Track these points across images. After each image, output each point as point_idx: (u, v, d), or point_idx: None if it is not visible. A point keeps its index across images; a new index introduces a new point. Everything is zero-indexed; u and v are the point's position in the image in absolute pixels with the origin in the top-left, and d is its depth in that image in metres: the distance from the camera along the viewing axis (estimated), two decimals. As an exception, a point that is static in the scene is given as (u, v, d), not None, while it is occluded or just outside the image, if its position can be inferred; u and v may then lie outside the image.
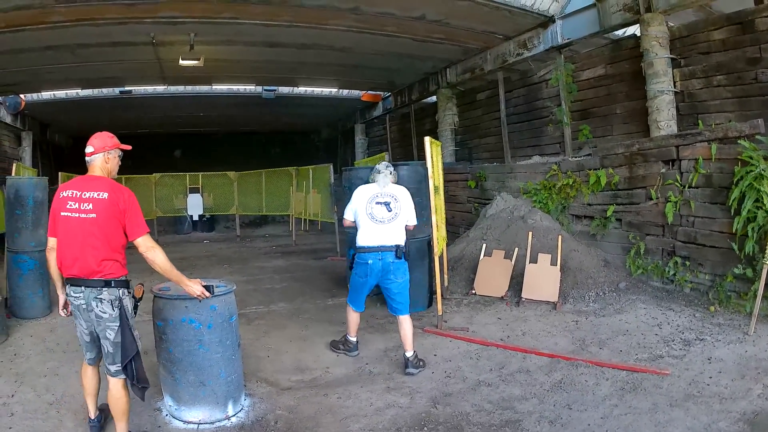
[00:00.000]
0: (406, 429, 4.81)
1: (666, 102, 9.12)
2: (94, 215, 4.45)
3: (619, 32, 10.90)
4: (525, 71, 12.86)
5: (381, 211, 6.57)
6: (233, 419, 5.19)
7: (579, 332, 7.10)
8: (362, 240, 6.56)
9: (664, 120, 9.09)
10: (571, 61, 11.24)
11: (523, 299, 8.39)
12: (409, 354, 6.26)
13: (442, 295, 7.83)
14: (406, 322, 6.41)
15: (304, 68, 15.67)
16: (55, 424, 5.19)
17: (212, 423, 5.13)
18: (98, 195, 4.51)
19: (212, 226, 22.67)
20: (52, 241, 4.66)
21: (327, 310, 8.90)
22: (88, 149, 4.75)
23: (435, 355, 6.55)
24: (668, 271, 8.30)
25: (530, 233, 9.04)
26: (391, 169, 6.90)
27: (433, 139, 8.04)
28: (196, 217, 21.53)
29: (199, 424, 5.11)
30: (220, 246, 18.58)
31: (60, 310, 4.80)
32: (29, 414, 5.36)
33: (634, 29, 10.36)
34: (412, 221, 6.74)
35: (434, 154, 7.82)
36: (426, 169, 8.09)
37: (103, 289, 4.49)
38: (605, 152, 9.58)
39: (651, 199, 8.62)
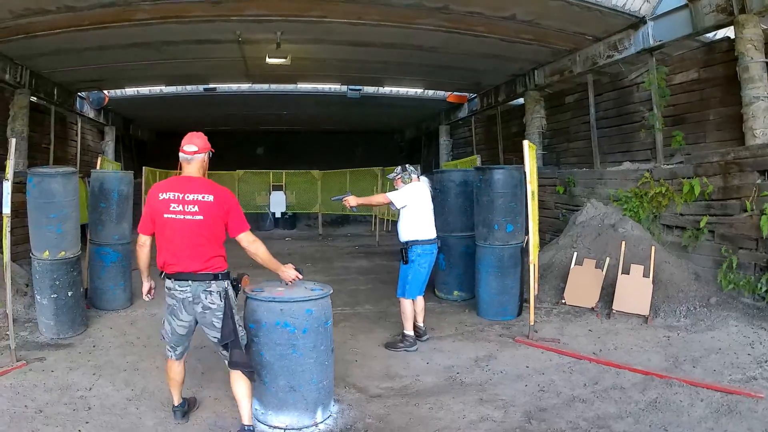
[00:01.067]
0: None
1: (762, 108, 8.80)
2: (201, 217, 4.68)
3: (711, 35, 10.58)
4: (615, 74, 12.64)
5: (432, 206, 7.61)
6: (321, 426, 5.19)
7: (671, 348, 7.00)
8: (427, 233, 7.43)
9: (760, 128, 8.77)
10: (663, 64, 11.00)
11: (614, 311, 8.31)
12: (422, 325, 7.68)
13: (529, 304, 7.83)
14: (422, 299, 7.65)
15: (390, 68, 15.73)
16: (134, 421, 5.26)
17: (299, 429, 5.13)
18: (203, 198, 4.71)
19: (294, 223, 23.00)
20: (144, 239, 4.92)
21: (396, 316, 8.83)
22: (191, 148, 4.88)
23: (527, 366, 6.55)
24: (761, 288, 8.03)
25: (623, 243, 8.92)
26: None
27: (531, 143, 8.03)
28: (278, 215, 21.92)
29: (285, 429, 5.12)
30: (302, 244, 18.88)
31: (144, 295, 5.20)
32: (107, 409, 5.46)
33: (727, 31, 10.10)
34: None
35: (531, 158, 7.81)
36: (521, 173, 8.22)
37: (212, 282, 4.76)
38: (699, 160, 9.37)
39: (745, 210, 8.37)
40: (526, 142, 7.85)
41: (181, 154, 4.88)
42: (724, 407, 5.35)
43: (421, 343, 7.48)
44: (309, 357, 5.13)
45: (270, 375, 5.11)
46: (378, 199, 7.72)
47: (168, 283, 4.78)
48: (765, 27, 9.04)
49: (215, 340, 4.85)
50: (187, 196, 4.68)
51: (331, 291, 5.47)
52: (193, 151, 4.87)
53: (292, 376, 5.09)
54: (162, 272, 4.82)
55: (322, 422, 5.23)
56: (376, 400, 5.82)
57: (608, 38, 11.72)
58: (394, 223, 19.82)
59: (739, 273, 8.45)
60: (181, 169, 5.04)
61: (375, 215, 19.97)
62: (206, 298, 4.74)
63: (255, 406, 5.18)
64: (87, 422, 5.13)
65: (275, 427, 5.12)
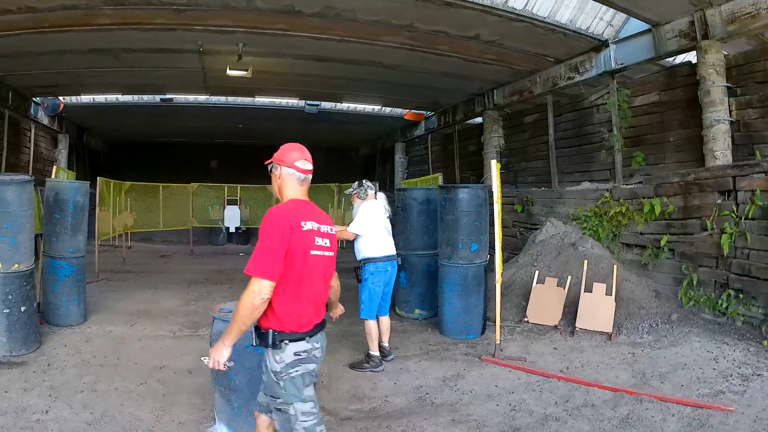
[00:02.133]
0: None
1: (722, 131, 9.04)
2: (332, 253, 3.90)
3: (671, 59, 10.79)
4: (575, 95, 12.80)
5: (389, 225, 7.57)
6: None
7: (637, 365, 7.02)
8: (380, 250, 7.35)
9: (720, 150, 8.99)
10: (623, 86, 11.16)
11: (578, 329, 8.33)
12: (387, 344, 7.57)
13: (494, 323, 7.80)
14: (388, 319, 7.64)
15: (350, 84, 15.76)
16: None
17: None
18: (331, 230, 3.92)
19: (247, 238, 22.69)
20: (269, 287, 3.55)
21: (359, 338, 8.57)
22: (308, 166, 3.95)
23: (496, 386, 6.48)
24: (721, 304, 8.20)
25: (585, 261, 8.97)
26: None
27: (497, 162, 8.03)
28: (232, 229, 21.65)
29: None
30: (256, 260, 18.53)
31: (223, 364, 3.69)
32: None
33: (689, 56, 10.30)
34: None
35: (497, 177, 7.81)
36: (486, 192, 8.27)
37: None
38: (660, 180, 9.53)
39: (706, 230, 8.56)
40: (493, 162, 7.87)
41: (295, 174, 3.90)
42: (695, 421, 5.37)
43: (386, 363, 7.38)
44: None
45: (240, 399, 4.89)
46: (344, 235, 7.54)
47: (302, 345, 3.72)
48: (726, 53, 9.24)
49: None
50: (322, 228, 3.81)
51: None
52: (309, 170, 3.97)
53: None
54: (279, 335, 3.69)
55: None
56: (347, 423, 5.63)
57: (570, 60, 11.89)
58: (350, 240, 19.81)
59: (699, 290, 8.62)
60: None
61: (331, 232, 19.84)
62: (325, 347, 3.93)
63: (223, 431, 5.01)
64: None
65: None
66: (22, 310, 7.47)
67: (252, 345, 3.82)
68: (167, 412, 5.73)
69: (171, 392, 6.27)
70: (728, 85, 9.14)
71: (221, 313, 5.00)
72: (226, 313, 4.96)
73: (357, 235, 7.32)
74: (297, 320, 3.66)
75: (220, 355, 3.65)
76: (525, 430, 5.36)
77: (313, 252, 3.71)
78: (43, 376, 6.59)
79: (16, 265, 7.39)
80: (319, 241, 3.75)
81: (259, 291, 3.48)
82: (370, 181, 7.92)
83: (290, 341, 3.65)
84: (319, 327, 3.80)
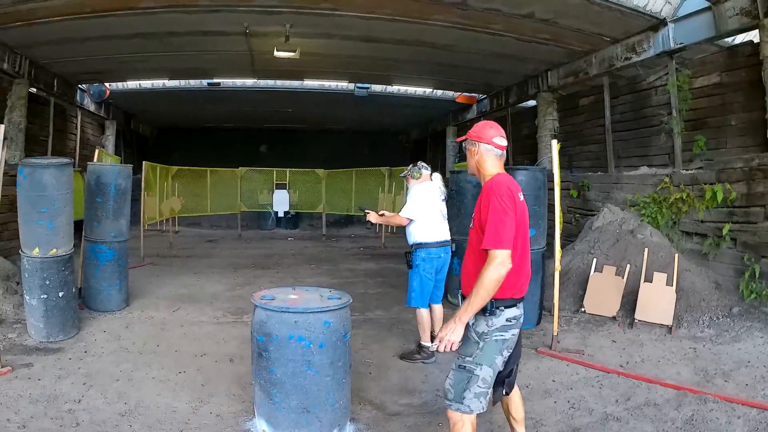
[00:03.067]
0: None
1: (787, 114, 8.61)
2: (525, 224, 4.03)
3: (729, 39, 10.36)
4: (632, 77, 12.39)
5: (444, 207, 7.33)
6: None
7: (699, 361, 6.79)
8: (434, 235, 7.08)
9: (785, 134, 8.59)
10: (682, 67, 10.78)
11: (636, 320, 8.09)
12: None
13: (552, 313, 7.59)
14: (440, 308, 7.43)
15: (400, 66, 15.49)
16: None
17: None
18: (523, 199, 4.04)
19: (296, 223, 22.91)
20: (509, 258, 3.69)
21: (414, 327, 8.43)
22: (504, 142, 4.07)
23: (553, 381, 6.30)
24: (784, 298, 7.85)
25: (646, 250, 8.69)
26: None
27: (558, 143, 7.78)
28: (281, 214, 21.72)
29: None
30: (305, 244, 18.66)
31: (455, 346, 3.77)
32: (96, 425, 5.03)
33: (751, 35, 9.88)
34: None
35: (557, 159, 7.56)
36: (544, 175, 8.08)
37: None
38: (722, 166, 9.18)
39: (769, 218, 8.22)
40: (553, 142, 7.63)
41: (494, 150, 4.01)
42: (762, 425, 5.15)
43: (438, 352, 7.21)
44: (325, 374, 4.68)
45: (281, 394, 4.66)
46: (396, 220, 7.39)
47: (514, 311, 3.91)
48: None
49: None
50: (519, 198, 3.94)
51: (351, 300, 5.02)
52: (505, 146, 4.08)
53: (306, 396, 4.64)
54: (497, 303, 3.79)
55: None
56: (396, 419, 5.47)
57: (626, 40, 11.48)
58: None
59: (761, 282, 8.24)
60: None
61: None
62: None
63: (263, 428, 4.80)
64: None
65: None
66: (60, 295, 7.44)
67: None
68: (205, 403, 5.67)
69: (210, 382, 6.23)
70: (793, 65, 8.69)
71: (263, 300, 4.81)
72: (268, 300, 4.82)
73: (410, 220, 7.10)
74: (515, 287, 3.87)
75: (456, 335, 3.72)
76: (584, 431, 5.18)
77: (526, 224, 3.96)
78: (78, 363, 6.58)
79: (54, 250, 7.36)
80: (526, 212, 3.99)
81: (503, 262, 3.63)
82: (415, 164, 7.67)
83: (506, 307, 3.82)
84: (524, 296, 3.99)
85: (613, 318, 8.37)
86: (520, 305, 3.95)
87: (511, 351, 3.96)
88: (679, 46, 10.35)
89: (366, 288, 11.31)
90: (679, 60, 10.76)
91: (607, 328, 8.14)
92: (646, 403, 5.72)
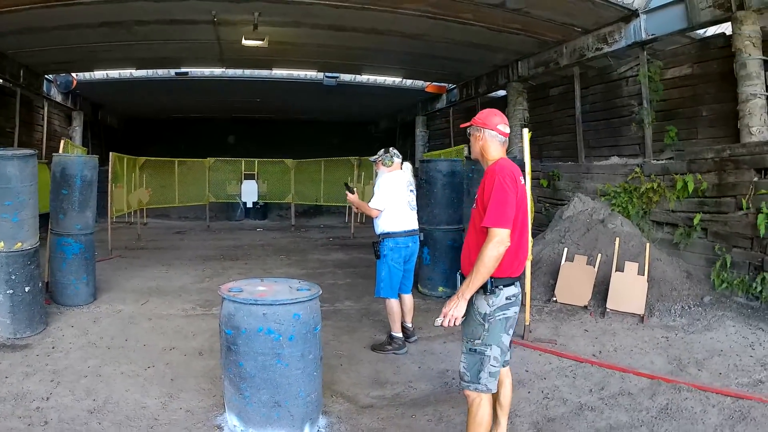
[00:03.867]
0: None
1: (759, 106, 8.63)
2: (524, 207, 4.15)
3: (701, 31, 10.44)
4: (603, 67, 12.43)
5: (413, 198, 7.20)
6: None
7: (672, 350, 6.75)
8: (400, 225, 6.97)
9: (757, 125, 8.60)
10: (654, 58, 10.79)
11: (608, 310, 8.04)
12: (410, 325, 7.31)
13: (524, 303, 7.53)
14: (411, 298, 7.37)
15: (370, 55, 15.40)
16: None
17: None
18: (523, 183, 4.21)
19: (265, 214, 22.72)
20: (508, 237, 3.82)
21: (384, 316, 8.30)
22: (507, 130, 4.22)
23: (527, 371, 6.22)
24: (755, 287, 7.83)
25: (617, 240, 8.64)
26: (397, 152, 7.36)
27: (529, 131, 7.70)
28: (249, 204, 21.46)
29: None
30: (274, 235, 18.47)
31: (458, 321, 3.89)
32: (65, 423, 4.88)
33: (723, 28, 9.92)
34: None
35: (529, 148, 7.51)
36: (518, 165, 7.94)
37: None
38: (693, 156, 9.20)
39: (741, 209, 8.22)
40: (525, 130, 7.54)
41: (498, 136, 4.16)
42: (737, 413, 5.11)
43: (409, 344, 7.12)
44: (296, 368, 4.58)
45: (251, 388, 4.55)
46: (366, 209, 7.29)
47: (513, 290, 4.02)
48: (762, 25, 8.83)
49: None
50: (520, 182, 4.10)
51: (320, 292, 4.91)
52: (508, 133, 4.27)
53: (277, 390, 4.54)
54: (495, 281, 3.88)
55: None
56: (368, 411, 5.36)
57: (598, 30, 11.49)
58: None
59: (732, 272, 8.29)
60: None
61: (349, 206, 19.64)
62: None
63: (234, 423, 4.67)
64: None
65: None
66: (26, 290, 7.19)
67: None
68: (175, 399, 5.51)
69: (179, 376, 6.08)
70: (765, 58, 8.71)
71: (231, 292, 4.68)
72: (236, 292, 4.69)
73: (380, 211, 6.95)
74: (513, 266, 3.98)
75: (459, 310, 3.84)
76: (560, 421, 5.11)
77: (525, 206, 4.09)
78: (46, 360, 6.39)
79: (20, 244, 7.11)
80: (525, 197, 4.12)
81: (502, 241, 3.76)
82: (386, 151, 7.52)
83: (504, 286, 3.92)
84: (518, 278, 4.11)
85: (585, 307, 8.31)
86: (518, 284, 4.09)
87: (513, 329, 4.13)
88: (650, 37, 10.37)
89: (335, 279, 11.17)
90: (651, 51, 10.81)
91: (579, 318, 8.08)
92: (620, 392, 5.67)
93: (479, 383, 3.96)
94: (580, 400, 5.50)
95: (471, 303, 3.92)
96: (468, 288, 3.81)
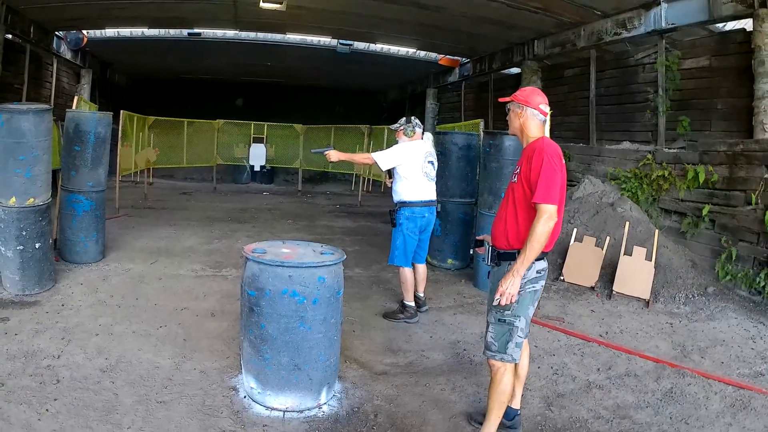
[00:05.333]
0: None
1: (775, 104, 8.74)
2: None
3: (720, 25, 10.43)
4: (620, 52, 12.41)
5: (431, 169, 7.21)
6: (325, 408, 4.75)
7: (676, 336, 6.92)
8: (417, 195, 7.04)
9: (771, 123, 8.73)
10: (671, 47, 10.83)
11: (615, 292, 8.20)
12: (422, 294, 7.46)
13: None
14: (424, 268, 7.49)
15: (386, 24, 15.20)
16: (110, 398, 4.67)
17: (301, 411, 4.64)
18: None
19: (271, 178, 22.72)
20: (554, 211, 3.94)
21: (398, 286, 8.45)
22: (548, 109, 4.39)
23: (536, 346, 6.34)
24: (758, 282, 8.00)
25: (627, 224, 8.79)
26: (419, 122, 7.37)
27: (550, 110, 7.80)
28: (257, 168, 21.44)
29: (285, 411, 4.62)
30: (280, 200, 18.56)
31: (515, 297, 4.00)
32: (78, 382, 4.88)
33: (743, 23, 9.94)
34: None
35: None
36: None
37: None
38: (706, 148, 9.30)
39: (750, 203, 8.35)
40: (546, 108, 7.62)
41: (539, 115, 4.30)
42: (738, 402, 5.27)
43: (421, 314, 7.28)
44: (318, 331, 4.62)
45: (272, 351, 4.58)
46: (361, 158, 7.40)
47: (543, 264, 4.19)
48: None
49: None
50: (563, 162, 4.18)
51: (345, 257, 4.94)
52: (548, 112, 4.41)
53: (298, 353, 4.57)
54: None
55: (325, 404, 4.80)
56: (382, 378, 5.48)
57: (618, 15, 11.49)
58: (376, 182, 19.70)
59: (737, 265, 8.43)
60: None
61: (356, 174, 19.68)
62: None
63: (251, 384, 4.74)
64: (55, 399, 4.57)
65: (273, 409, 4.63)
66: (37, 246, 7.20)
67: (490, 263, 4.31)
68: (188, 359, 5.59)
69: (192, 337, 6.16)
70: (784, 56, 8.79)
71: (255, 253, 4.67)
72: (260, 254, 4.69)
73: (376, 163, 7.08)
74: (550, 241, 4.04)
75: (515, 287, 3.97)
76: (569, 397, 5.27)
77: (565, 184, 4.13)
78: (56, 317, 6.40)
79: (32, 199, 7.10)
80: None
81: (551, 216, 3.90)
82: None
83: (536, 260, 4.02)
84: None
85: (592, 288, 8.47)
86: (546, 258, 4.23)
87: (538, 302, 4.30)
88: (670, 26, 10.40)
89: (344, 245, 11.11)
90: (669, 40, 10.82)
91: (586, 298, 8.24)
92: (626, 373, 5.83)
93: (506, 353, 4.11)
94: (588, 378, 5.67)
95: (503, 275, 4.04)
96: (523, 264, 3.94)
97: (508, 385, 4.17)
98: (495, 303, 4.00)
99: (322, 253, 4.91)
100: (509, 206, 4.20)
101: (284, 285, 4.50)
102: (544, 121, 4.34)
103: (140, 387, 4.89)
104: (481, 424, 4.34)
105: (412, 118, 7.42)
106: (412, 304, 7.21)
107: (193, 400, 4.76)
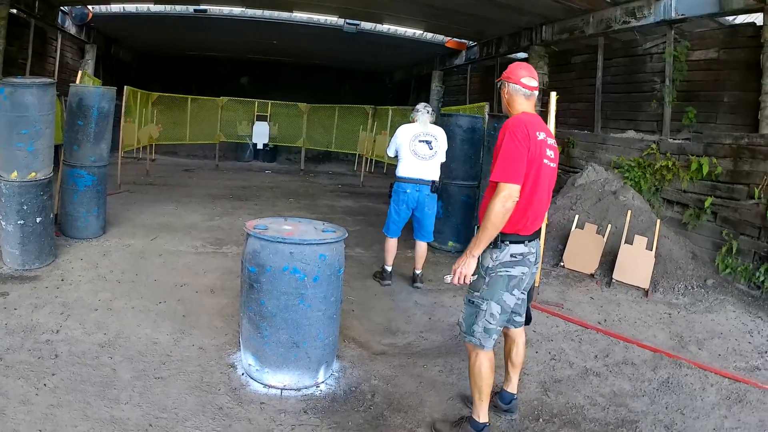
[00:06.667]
0: (521, 418, 4.60)
1: (782, 100, 8.71)
2: (555, 165, 4.12)
3: (730, 18, 10.40)
4: (628, 41, 12.35)
5: (423, 149, 7.61)
6: (322, 387, 4.78)
7: (674, 327, 6.93)
8: (403, 171, 7.64)
9: (777, 118, 8.71)
10: (680, 38, 10.78)
11: (614, 280, 8.20)
12: (418, 272, 7.87)
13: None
14: (423, 246, 7.84)
15: (394, 4, 15.16)
16: (108, 374, 4.68)
17: (298, 390, 4.66)
18: (555, 143, 4.15)
19: (274, 156, 22.63)
20: (517, 191, 3.79)
21: (409, 262, 8.48)
22: (533, 83, 4.11)
23: (534, 331, 6.36)
24: (758, 277, 8.00)
25: (629, 212, 8.79)
26: (430, 109, 7.89)
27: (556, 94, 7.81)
28: (260, 146, 21.37)
29: (282, 389, 4.64)
30: (283, 178, 18.51)
31: (467, 279, 3.91)
32: (76, 357, 4.90)
33: (753, 17, 9.90)
34: (443, 159, 7.82)
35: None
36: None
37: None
38: (711, 140, 9.27)
39: (752, 198, 8.32)
40: (553, 94, 7.63)
41: (522, 90, 4.09)
42: (734, 395, 5.29)
43: (419, 294, 7.56)
44: (317, 309, 4.62)
45: (271, 328, 4.58)
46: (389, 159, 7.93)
47: (520, 248, 3.97)
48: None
49: (519, 301, 4.23)
50: (548, 140, 4.03)
51: (346, 234, 4.96)
52: (534, 86, 4.12)
53: (297, 331, 4.58)
54: (502, 236, 3.90)
55: (323, 382, 4.82)
56: (380, 358, 5.52)
57: (627, 4, 11.39)
58: (378, 163, 19.67)
59: (737, 259, 8.42)
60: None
61: (363, 155, 19.62)
62: (540, 254, 4.20)
63: (249, 362, 4.76)
64: (54, 374, 4.57)
65: (271, 386, 4.65)
66: (38, 221, 7.18)
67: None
68: (187, 335, 5.61)
69: (191, 313, 6.18)
70: (794, 53, 8.76)
71: (257, 230, 4.66)
72: (262, 230, 4.67)
73: (387, 155, 8.16)
74: (523, 224, 3.92)
75: (468, 268, 3.87)
76: (566, 383, 5.30)
77: (544, 161, 3.95)
78: (55, 292, 6.40)
79: (33, 174, 7.04)
80: (548, 152, 3.99)
81: (510, 195, 3.73)
82: (415, 105, 8.08)
83: (511, 242, 3.93)
84: (537, 234, 4.13)
85: (592, 275, 8.47)
86: (530, 244, 4.02)
87: (523, 292, 4.15)
88: (680, 17, 10.31)
89: (345, 225, 10.90)
90: (678, 31, 10.75)
91: (585, 285, 8.24)
92: (623, 361, 5.86)
93: (473, 336, 4.04)
94: (586, 365, 5.70)
95: (480, 255, 3.95)
96: (476, 245, 3.82)
97: (483, 372, 4.07)
98: (447, 282, 3.97)
99: (323, 231, 4.90)
100: (489, 187, 4.05)
101: (285, 262, 4.50)
102: (530, 96, 4.13)
103: (138, 363, 4.91)
104: None
105: (419, 105, 8.02)
106: (389, 269, 7.88)
107: (190, 376, 4.77)
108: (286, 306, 4.54)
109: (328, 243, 4.66)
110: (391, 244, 7.80)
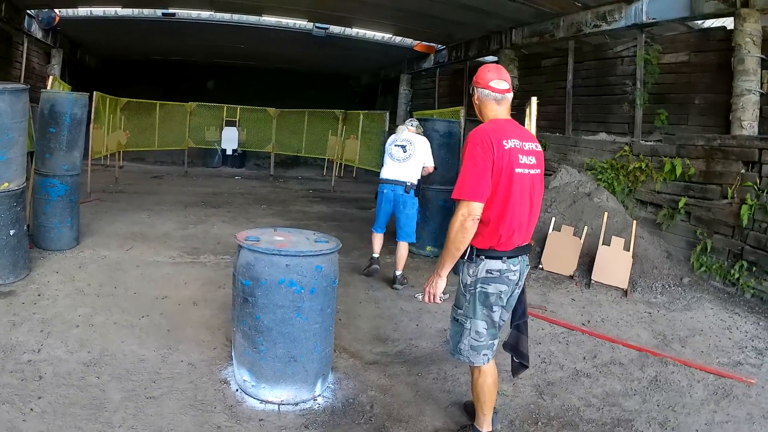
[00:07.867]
0: (520, 423, 4.61)
1: (752, 102, 8.94)
2: (538, 171, 3.84)
3: (699, 21, 10.66)
4: (599, 44, 12.54)
5: (398, 152, 8.21)
6: (320, 400, 4.66)
7: (656, 325, 7.04)
8: (382, 173, 8.29)
9: (748, 120, 8.93)
10: (651, 41, 10.96)
11: (594, 281, 8.31)
12: (398, 273, 8.09)
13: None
14: (404, 247, 8.11)
15: (363, 8, 15.08)
16: (97, 395, 4.46)
17: (296, 404, 4.54)
18: (536, 147, 3.87)
19: (242, 162, 22.52)
20: (478, 208, 3.62)
21: (389, 268, 8.50)
22: (503, 85, 3.86)
23: (521, 334, 6.43)
24: (733, 274, 8.21)
25: (606, 214, 8.92)
26: (415, 122, 8.71)
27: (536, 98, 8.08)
28: (229, 152, 21.28)
29: (280, 404, 4.51)
30: (253, 184, 18.41)
31: (438, 297, 3.92)
32: (62, 378, 4.66)
33: (722, 21, 10.13)
34: (430, 163, 8.31)
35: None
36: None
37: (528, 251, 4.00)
38: (683, 141, 9.44)
39: (725, 197, 8.52)
40: (533, 99, 7.78)
41: (491, 94, 3.86)
42: (720, 390, 5.39)
43: (404, 301, 7.52)
44: (314, 322, 4.50)
45: (267, 342, 4.44)
46: None
47: (497, 264, 3.77)
48: (764, 24, 9.07)
49: (502, 323, 4.01)
50: (525, 145, 3.75)
51: (341, 245, 4.85)
52: (506, 89, 3.87)
53: (294, 344, 4.45)
54: (477, 250, 3.78)
55: (320, 395, 4.71)
56: (374, 367, 5.44)
57: (598, 8, 11.57)
58: (348, 167, 19.66)
59: (712, 257, 8.62)
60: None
61: (334, 159, 19.57)
62: (525, 272, 3.97)
63: (244, 377, 4.61)
64: (39, 397, 4.33)
65: (268, 402, 4.52)
66: (11, 233, 6.84)
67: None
68: (174, 351, 5.41)
69: (176, 327, 6.01)
70: (763, 56, 8.98)
71: (249, 241, 4.49)
72: (254, 241, 4.50)
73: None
74: (497, 239, 3.71)
75: (437, 288, 3.84)
76: (559, 385, 5.34)
77: (517, 170, 3.68)
78: (33, 308, 6.12)
79: (6, 184, 6.73)
80: (523, 158, 3.72)
81: (469, 213, 3.58)
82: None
83: (486, 258, 3.76)
84: (521, 250, 3.87)
85: (571, 277, 8.57)
86: (509, 261, 3.80)
87: (505, 308, 3.97)
88: (651, 20, 10.52)
89: (321, 231, 11.17)
90: (648, 34, 10.95)
91: (566, 287, 8.33)
92: (611, 361, 5.93)
93: (460, 354, 3.94)
94: (576, 367, 5.76)
95: (460, 271, 3.88)
96: (441, 265, 3.76)
97: (486, 388, 3.99)
98: (420, 300, 3.94)
99: (316, 241, 4.79)
100: None
101: (281, 274, 4.38)
102: (501, 99, 3.88)
103: (127, 382, 4.72)
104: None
105: (407, 120, 8.94)
106: (376, 255, 8.46)
107: (183, 394, 4.62)
108: (282, 319, 4.43)
109: (324, 254, 4.56)
110: (374, 238, 8.44)
